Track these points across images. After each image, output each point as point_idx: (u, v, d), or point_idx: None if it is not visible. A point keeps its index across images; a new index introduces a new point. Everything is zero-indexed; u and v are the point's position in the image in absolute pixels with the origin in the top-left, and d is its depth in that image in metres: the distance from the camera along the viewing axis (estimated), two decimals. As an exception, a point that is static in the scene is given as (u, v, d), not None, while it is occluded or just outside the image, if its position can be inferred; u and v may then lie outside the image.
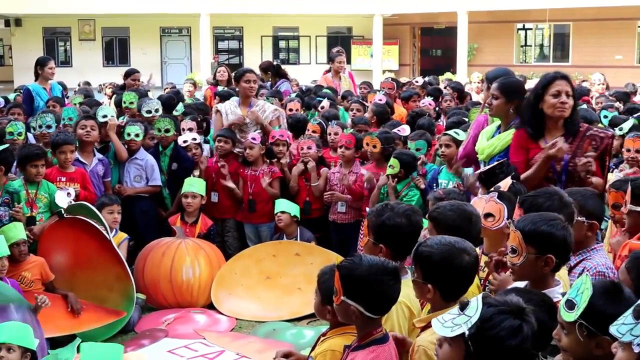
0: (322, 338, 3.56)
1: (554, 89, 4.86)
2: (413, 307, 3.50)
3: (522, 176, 4.82)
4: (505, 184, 4.44)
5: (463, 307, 2.45)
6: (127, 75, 10.79)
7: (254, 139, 7.47)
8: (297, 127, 8.24)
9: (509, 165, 4.91)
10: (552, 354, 2.92)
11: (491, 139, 5.41)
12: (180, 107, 9.18)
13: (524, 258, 3.28)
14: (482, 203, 4.09)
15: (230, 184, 7.52)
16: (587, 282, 2.59)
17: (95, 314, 6.15)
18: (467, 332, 2.39)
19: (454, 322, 2.43)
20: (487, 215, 4.00)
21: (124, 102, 8.72)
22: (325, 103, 9.19)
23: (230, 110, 7.86)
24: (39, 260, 6.04)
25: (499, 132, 5.45)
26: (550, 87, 4.89)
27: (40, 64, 9.83)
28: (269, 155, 7.65)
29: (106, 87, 14.72)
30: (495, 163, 4.97)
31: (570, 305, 2.59)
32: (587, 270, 3.81)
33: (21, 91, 10.72)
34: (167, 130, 7.62)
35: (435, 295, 3.14)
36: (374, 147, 6.96)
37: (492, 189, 4.49)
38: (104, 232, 6.31)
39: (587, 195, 4.08)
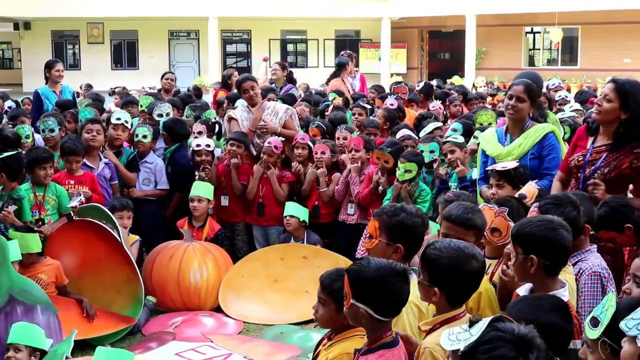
0: (326, 342, 3.56)
1: (601, 90, 4.97)
2: (422, 306, 3.51)
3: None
4: (530, 193, 4.45)
5: (471, 324, 2.40)
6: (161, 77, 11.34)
7: (276, 147, 7.46)
8: (306, 129, 8.25)
9: (517, 169, 5.02)
10: (569, 359, 2.94)
11: (517, 140, 5.45)
12: (208, 115, 9.20)
13: (515, 259, 3.35)
14: (491, 214, 4.09)
15: (234, 173, 7.55)
16: (612, 299, 2.57)
17: (107, 320, 6.17)
18: (461, 349, 2.34)
19: (458, 336, 2.38)
20: (494, 230, 4.02)
21: (141, 106, 8.82)
22: (300, 108, 9.28)
23: (243, 116, 7.87)
24: (56, 263, 6.05)
25: (506, 134, 5.54)
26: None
27: (48, 66, 9.92)
28: (285, 164, 7.65)
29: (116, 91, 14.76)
30: (511, 168, 5.02)
31: (595, 322, 2.57)
32: (583, 271, 3.83)
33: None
34: (144, 137, 7.61)
35: (440, 299, 3.14)
36: (386, 162, 6.84)
37: (517, 194, 4.53)
38: (115, 234, 6.33)
39: (578, 199, 4.08)
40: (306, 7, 30.62)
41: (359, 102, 9.47)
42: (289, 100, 9.33)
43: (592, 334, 2.57)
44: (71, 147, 6.81)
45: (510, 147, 5.46)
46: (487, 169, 5.40)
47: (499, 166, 5.12)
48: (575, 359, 2.97)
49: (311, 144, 7.63)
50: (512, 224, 3.95)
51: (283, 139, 7.62)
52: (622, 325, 2.30)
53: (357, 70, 11.84)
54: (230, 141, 7.67)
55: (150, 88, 15.70)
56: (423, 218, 3.88)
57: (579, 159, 4.97)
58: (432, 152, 6.97)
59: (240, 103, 8.31)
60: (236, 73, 11.99)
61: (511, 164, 5.07)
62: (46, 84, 9.90)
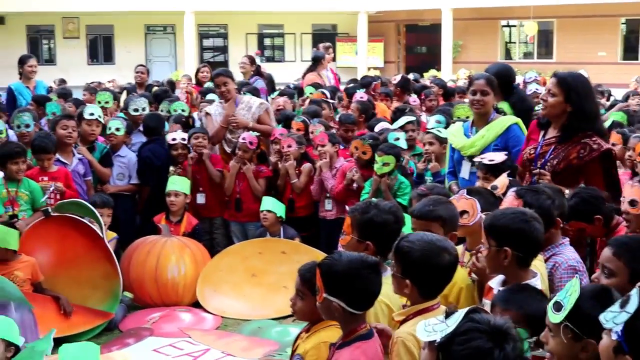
0: (304, 335, 3.58)
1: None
2: (393, 305, 3.50)
3: None
4: (502, 184, 4.47)
5: (447, 315, 2.39)
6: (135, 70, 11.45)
7: (251, 142, 7.44)
8: (287, 123, 8.23)
9: (505, 162, 5.07)
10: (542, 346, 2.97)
11: (481, 131, 5.53)
12: (175, 107, 9.17)
13: (488, 251, 3.36)
14: (455, 201, 4.12)
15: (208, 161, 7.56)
16: (576, 284, 2.58)
17: (84, 316, 6.14)
18: (438, 341, 2.34)
19: (434, 327, 2.38)
20: (462, 212, 4.04)
21: (99, 102, 8.68)
22: (282, 99, 9.33)
23: (217, 112, 7.85)
24: (31, 260, 6.02)
25: (471, 127, 5.64)
26: None
27: (21, 62, 9.84)
28: (261, 158, 7.62)
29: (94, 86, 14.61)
30: (499, 161, 5.06)
31: (558, 307, 2.59)
32: (559, 265, 3.85)
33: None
34: (117, 129, 7.59)
35: (412, 291, 3.15)
36: (364, 153, 6.87)
37: (490, 186, 4.55)
38: (97, 230, 6.28)
39: (551, 192, 4.10)
40: (283, 1, 30.57)
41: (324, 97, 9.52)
42: (253, 93, 9.31)
43: (555, 318, 2.59)
44: (41, 145, 6.69)
45: (474, 138, 5.56)
46: (475, 159, 5.42)
47: (486, 159, 5.14)
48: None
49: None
50: (475, 201, 3.99)
51: (257, 133, 7.60)
52: (602, 317, 2.31)
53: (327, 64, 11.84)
54: (194, 135, 7.64)
55: (109, 82, 15.45)
56: (396, 214, 3.85)
57: (531, 152, 5.05)
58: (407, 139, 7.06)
59: (215, 98, 8.29)
60: (205, 69, 11.97)
61: (499, 157, 5.09)
62: (20, 79, 9.82)
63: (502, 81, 5.97)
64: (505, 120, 5.54)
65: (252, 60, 11.78)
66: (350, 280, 3.07)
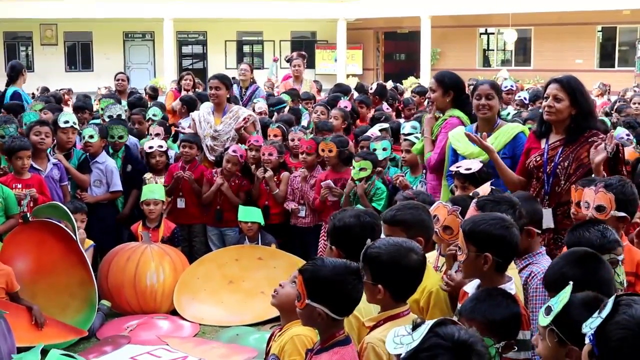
0: (277, 332, 3.59)
1: (546, 93, 5.03)
2: (362, 317, 3.46)
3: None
4: (484, 190, 4.49)
5: (414, 327, 2.34)
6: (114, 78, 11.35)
7: (241, 156, 7.41)
8: (264, 131, 8.23)
9: (481, 170, 5.09)
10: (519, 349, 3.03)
11: (489, 139, 5.51)
12: (158, 112, 9.18)
13: (466, 256, 3.37)
14: (444, 212, 4.09)
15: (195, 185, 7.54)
16: (568, 290, 2.62)
17: (57, 329, 6.09)
18: (403, 355, 2.30)
19: (402, 340, 2.33)
20: (446, 227, 4.03)
21: (101, 109, 8.76)
22: (262, 104, 9.39)
23: (203, 117, 7.83)
24: (7, 269, 5.96)
25: (476, 132, 5.59)
26: (545, 91, 5.07)
27: (20, 68, 9.81)
28: (244, 171, 7.61)
29: (64, 93, 14.58)
30: (476, 170, 5.08)
31: (548, 310, 2.62)
32: (535, 275, 3.85)
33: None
34: (120, 137, 7.66)
35: (385, 296, 3.18)
36: (330, 151, 6.93)
37: (471, 193, 4.56)
38: (72, 235, 6.25)
39: (521, 200, 4.08)
40: (262, 8, 30.60)
41: (321, 101, 9.54)
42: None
43: (543, 321, 2.63)
44: (19, 144, 6.66)
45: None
46: (450, 168, 5.44)
47: (462, 168, 5.15)
48: (523, 348, 3.09)
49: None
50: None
51: (246, 147, 7.58)
52: (584, 324, 2.33)
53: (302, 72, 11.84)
54: (182, 143, 7.65)
55: (105, 88, 15.43)
56: (359, 218, 3.87)
57: (537, 159, 5.04)
58: (385, 149, 7.03)
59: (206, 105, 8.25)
60: (189, 77, 11.96)
61: (475, 166, 5.11)
62: (10, 84, 9.74)
63: (455, 89, 6.04)
64: (513, 128, 5.55)
65: (251, 69, 11.71)
66: (334, 286, 3.07)
